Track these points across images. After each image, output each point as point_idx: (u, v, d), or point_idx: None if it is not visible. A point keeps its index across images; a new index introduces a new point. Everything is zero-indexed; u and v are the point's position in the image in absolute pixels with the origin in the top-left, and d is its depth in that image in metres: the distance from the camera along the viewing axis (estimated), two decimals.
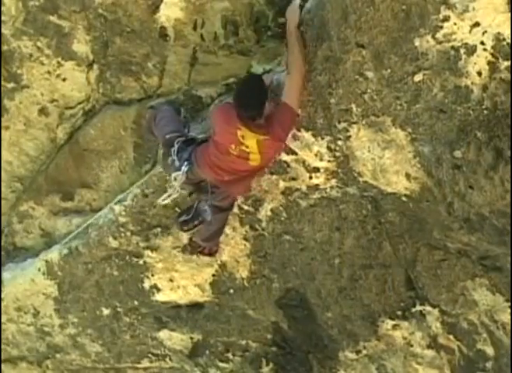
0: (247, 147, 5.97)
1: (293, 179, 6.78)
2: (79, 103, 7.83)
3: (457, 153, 5.71)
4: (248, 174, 6.31)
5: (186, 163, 6.31)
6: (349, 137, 6.20)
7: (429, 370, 7.34)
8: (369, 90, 5.87)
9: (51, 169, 8.19)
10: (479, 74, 5.33)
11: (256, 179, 6.63)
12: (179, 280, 7.85)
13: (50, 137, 8.08)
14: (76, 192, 8.16)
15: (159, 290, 7.99)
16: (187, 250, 7.47)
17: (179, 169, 6.36)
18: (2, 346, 9.11)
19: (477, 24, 5.17)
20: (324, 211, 6.91)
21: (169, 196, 6.74)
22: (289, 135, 6.18)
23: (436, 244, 6.62)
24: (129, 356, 8.71)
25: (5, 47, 7.59)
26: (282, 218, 7.10)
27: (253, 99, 5.83)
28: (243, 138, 5.93)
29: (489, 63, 5.26)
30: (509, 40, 5.10)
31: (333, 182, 6.66)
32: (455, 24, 5.23)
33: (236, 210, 7.18)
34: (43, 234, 8.55)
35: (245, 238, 7.36)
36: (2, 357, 9.16)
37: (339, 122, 6.17)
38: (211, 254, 7.41)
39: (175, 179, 6.46)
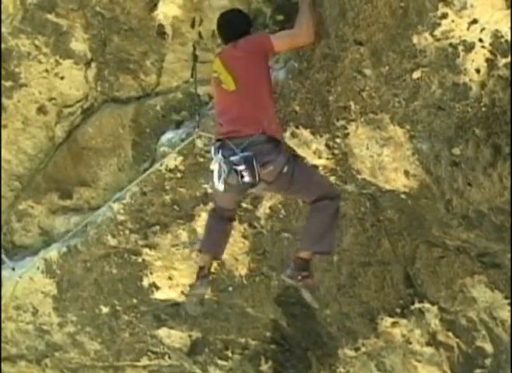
0: (216, 72, 5.81)
1: None
2: (77, 102, 7.83)
3: (456, 150, 5.71)
4: (237, 99, 5.66)
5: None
6: (348, 134, 6.20)
7: (428, 367, 7.35)
8: (367, 87, 5.88)
9: (50, 167, 8.18)
10: (477, 71, 5.34)
11: (267, 115, 5.69)
12: (178, 278, 7.85)
13: (48, 135, 8.07)
14: (75, 190, 8.15)
15: (157, 288, 7.99)
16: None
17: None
18: (1, 345, 9.11)
19: (475, 21, 5.18)
20: None
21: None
22: (257, 52, 5.66)
23: (435, 241, 6.63)
24: (128, 354, 8.72)
25: (2, 46, 7.57)
26: (281, 216, 7.11)
27: (237, 29, 5.85)
28: (214, 65, 5.88)
29: (487, 60, 5.27)
30: (507, 37, 5.11)
31: (332, 179, 6.66)
32: (453, 21, 5.24)
33: None
34: (42, 232, 8.55)
35: (244, 236, 7.36)
36: (1, 356, 9.16)
37: (338, 119, 6.17)
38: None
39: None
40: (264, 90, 5.71)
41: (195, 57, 6.52)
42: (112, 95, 7.62)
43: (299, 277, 5.88)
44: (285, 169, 5.61)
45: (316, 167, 6.57)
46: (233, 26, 5.91)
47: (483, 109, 5.45)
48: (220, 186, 5.57)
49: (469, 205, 5.94)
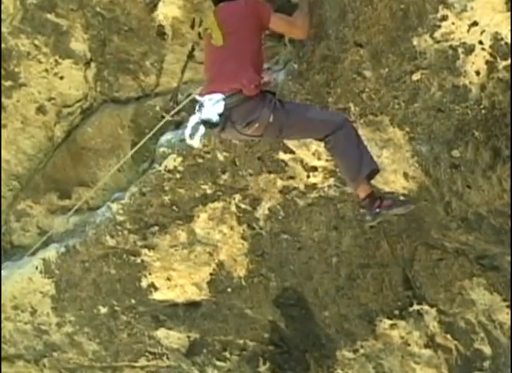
0: (208, 29, 5.68)
1: (291, 178, 6.79)
2: (77, 102, 7.83)
3: (455, 152, 5.71)
4: (224, 57, 5.55)
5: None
6: None
7: (426, 369, 7.35)
8: (367, 89, 5.88)
9: (49, 167, 8.18)
10: (477, 73, 5.34)
11: (249, 76, 5.46)
12: (176, 278, 7.84)
13: (47, 135, 8.07)
14: (74, 190, 8.15)
15: (156, 288, 7.98)
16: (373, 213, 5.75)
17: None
18: (0, 345, 9.11)
19: (475, 23, 5.18)
20: (321, 210, 6.91)
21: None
22: (252, 11, 5.54)
23: (434, 243, 6.62)
24: (126, 354, 8.71)
25: (2, 46, 7.57)
26: (280, 217, 7.10)
27: None
28: (207, 22, 5.74)
29: (487, 62, 5.27)
30: (507, 40, 5.11)
31: (331, 181, 6.67)
32: (453, 23, 5.24)
33: (233, 208, 7.19)
34: (41, 232, 8.54)
35: (243, 237, 7.36)
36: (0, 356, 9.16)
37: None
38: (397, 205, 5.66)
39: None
40: (250, 49, 5.52)
41: (190, 56, 6.51)
42: (111, 96, 7.62)
43: (377, 211, 5.55)
44: (271, 119, 5.44)
45: (315, 168, 6.57)
46: None
47: (483, 111, 5.45)
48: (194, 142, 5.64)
49: (468, 207, 5.94)
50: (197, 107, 5.62)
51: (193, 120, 5.61)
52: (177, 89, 6.66)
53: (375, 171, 5.64)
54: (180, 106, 6.59)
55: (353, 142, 5.54)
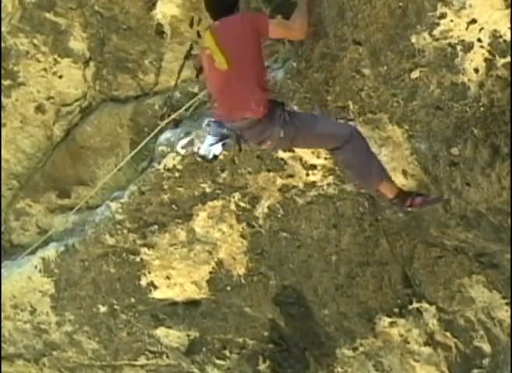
0: (207, 49, 5.58)
1: (290, 176, 6.79)
2: (76, 100, 7.83)
3: (454, 150, 5.71)
4: (231, 83, 5.54)
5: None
6: None
7: (426, 367, 7.35)
8: (365, 87, 5.88)
9: (48, 166, 8.18)
10: (476, 71, 5.33)
11: (257, 98, 5.53)
12: (176, 277, 7.85)
13: (46, 134, 8.08)
14: (73, 189, 8.16)
15: (155, 287, 7.99)
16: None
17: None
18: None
19: (474, 21, 5.18)
20: (320, 208, 6.91)
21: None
22: (250, 29, 5.46)
23: (433, 241, 6.62)
24: (126, 353, 8.71)
25: (1, 45, 7.58)
26: (279, 215, 7.11)
27: (223, 4, 5.59)
28: (204, 41, 5.67)
29: (485, 60, 5.26)
30: (505, 37, 5.11)
31: (330, 179, 6.67)
32: (452, 21, 5.24)
33: (232, 207, 7.19)
34: (40, 231, 8.54)
35: (242, 236, 7.36)
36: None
37: (336, 119, 6.16)
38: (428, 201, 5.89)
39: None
40: (255, 71, 5.54)
41: (187, 55, 6.52)
42: (110, 95, 7.62)
43: (409, 209, 5.95)
44: (281, 134, 5.56)
45: (314, 166, 6.57)
46: (221, 7, 5.61)
47: (482, 109, 5.44)
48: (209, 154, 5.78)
49: (467, 205, 5.94)
50: (206, 126, 5.83)
51: (207, 141, 5.78)
52: (171, 96, 6.76)
53: (387, 178, 5.81)
54: (176, 114, 6.66)
55: (361, 155, 5.68)
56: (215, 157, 5.80)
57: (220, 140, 5.70)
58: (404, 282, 7.04)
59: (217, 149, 5.73)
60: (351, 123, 6.04)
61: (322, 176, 6.67)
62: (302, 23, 5.54)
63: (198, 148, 5.99)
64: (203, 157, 5.83)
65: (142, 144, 7.08)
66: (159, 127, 6.92)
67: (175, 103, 7.20)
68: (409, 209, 5.90)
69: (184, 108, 6.89)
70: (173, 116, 6.89)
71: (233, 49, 5.46)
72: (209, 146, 5.74)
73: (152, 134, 6.98)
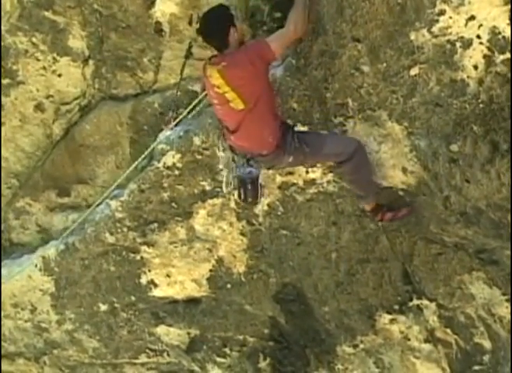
0: (218, 87, 5.58)
1: (290, 173, 6.79)
2: (75, 99, 7.83)
3: (454, 147, 5.71)
4: (249, 125, 5.67)
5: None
6: (346, 131, 6.20)
7: (426, 363, 7.35)
8: (365, 84, 5.88)
9: (47, 164, 8.19)
10: (475, 67, 5.33)
11: (273, 131, 5.74)
12: (176, 275, 7.85)
13: (46, 133, 8.08)
14: (72, 188, 8.17)
15: (156, 285, 7.99)
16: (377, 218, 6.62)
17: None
18: (0, 343, 9.12)
19: (472, 17, 5.17)
20: (320, 206, 6.91)
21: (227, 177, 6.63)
22: (259, 64, 5.45)
23: (433, 238, 6.62)
24: (126, 351, 8.72)
25: (0, 43, 7.58)
26: (279, 213, 7.11)
27: (214, 28, 5.52)
28: (211, 78, 5.61)
29: (484, 56, 5.26)
30: (504, 34, 5.10)
31: (330, 176, 6.67)
32: (451, 18, 5.23)
33: (232, 205, 7.19)
34: (40, 230, 8.55)
35: (242, 233, 7.36)
36: (0, 354, 9.17)
37: (335, 116, 6.17)
38: (397, 217, 6.55)
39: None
40: (269, 104, 5.70)
41: (187, 55, 6.50)
42: (110, 93, 7.63)
43: (379, 222, 6.67)
44: (290, 160, 5.91)
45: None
46: (213, 31, 5.57)
47: (481, 105, 5.44)
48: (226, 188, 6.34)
49: (467, 202, 5.94)
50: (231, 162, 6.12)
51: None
52: (175, 100, 6.82)
53: (378, 193, 6.41)
54: (180, 117, 6.69)
55: (361, 171, 6.11)
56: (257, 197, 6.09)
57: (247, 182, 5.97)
58: (404, 279, 7.04)
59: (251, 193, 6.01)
60: (356, 137, 6.12)
61: (322, 173, 6.67)
62: (296, 24, 5.45)
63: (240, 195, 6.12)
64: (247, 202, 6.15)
65: (142, 157, 7.13)
66: (163, 131, 7.00)
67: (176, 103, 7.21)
68: (379, 222, 6.66)
69: (187, 110, 6.89)
70: (177, 120, 6.93)
71: (247, 90, 5.52)
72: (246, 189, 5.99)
73: (155, 144, 7.06)
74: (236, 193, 6.19)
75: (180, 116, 6.91)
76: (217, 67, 5.52)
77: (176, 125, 7.11)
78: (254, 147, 5.79)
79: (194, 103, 6.89)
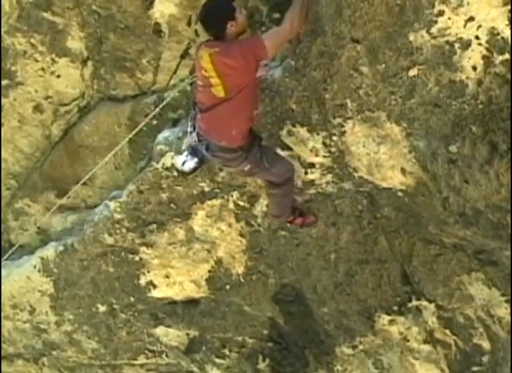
0: (205, 70, 5.59)
1: None
2: (74, 100, 7.83)
3: (453, 148, 5.70)
4: (221, 111, 5.69)
5: (192, 122, 6.13)
6: (344, 132, 6.20)
7: (425, 364, 7.35)
8: (364, 85, 5.87)
9: (46, 165, 8.18)
10: (474, 68, 5.32)
11: (239, 128, 5.81)
12: (175, 276, 7.85)
13: (44, 133, 8.08)
14: (71, 188, 8.15)
15: (155, 286, 7.99)
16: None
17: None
18: None
19: (471, 18, 5.17)
20: (319, 207, 6.91)
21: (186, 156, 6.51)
22: (250, 60, 5.48)
23: (432, 238, 6.62)
24: (125, 352, 8.72)
25: None
26: None
27: (212, 20, 5.56)
28: (202, 60, 5.62)
29: (483, 57, 5.25)
30: (503, 35, 5.10)
31: (328, 177, 6.67)
32: (450, 19, 5.22)
33: (231, 206, 7.19)
34: (39, 231, 8.54)
35: (241, 234, 7.36)
36: None
37: (334, 117, 6.16)
38: (304, 225, 7.08)
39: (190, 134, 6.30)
40: (248, 104, 5.76)
41: (183, 54, 6.53)
42: (108, 94, 7.62)
43: (288, 224, 7.06)
44: (246, 168, 6.03)
45: (313, 165, 6.58)
46: (211, 23, 5.60)
47: (480, 106, 5.43)
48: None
49: (466, 202, 5.93)
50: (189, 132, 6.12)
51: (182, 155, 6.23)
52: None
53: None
54: (157, 109, 6.71)
55: (289, 195, 6.57)
56: (192, 172, 6.24)
57: (194, 154, 6.09)
58: (403, 280, 7.05)
59: (191, 164, 6.13)
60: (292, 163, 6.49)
61: (321, 174, 6.67)
62: (292, 22, 5.50)
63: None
64: (180, 171, 6.37)
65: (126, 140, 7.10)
66: (142, 124, 6.95)
67: (173, 103, 7.21)
68: (288, 224, 7.06)
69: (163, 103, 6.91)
70: (154, 112, 6.95)
71: (232, 81, 5.55)
72: (184, 161, 6.13)
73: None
74: (181, 157, 6.25)
75: (157, 108, 6.89)
76: (209, 51, 5.56)
77: (174, 124, 7.15)
78: (215, 134, 5.82)
79: (182, 84, 6.90)
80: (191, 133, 6.07)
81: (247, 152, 5.86)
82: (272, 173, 6.23)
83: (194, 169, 6.22)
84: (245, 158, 5.89)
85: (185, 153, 6.16)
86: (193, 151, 6.09)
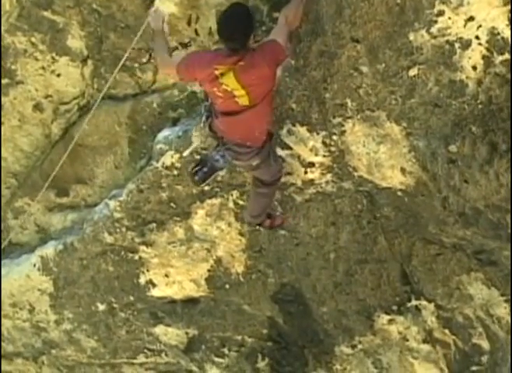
0: (227, 85, 5.45)
1: (288, 173, 6.79)
2: (74, 99, 7.82)
3: (452, 147, 5.71)
4: (245, 117, 5.64)
5: (206, 114, 6.02)
6: (344, 131, 6.20)
7: (424, 364, 7.36)
8: (364, 85, 5.87)
9: (46, 164, 8.17)
10: (474, 68, 5.33)
11: (263, 129, 5.86)
12: (174, 275, 7.85)
13: (44, 132, 8.07)
14: (71, 188, 8.16)
15: (154, 285, 7.99)
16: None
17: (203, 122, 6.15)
18: None
19: (471, 18, 5.17)
20: (319, 206, 6.91)
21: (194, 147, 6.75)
22: (273, 67, 5.41)
23: (432, 238, 6.63)
24: (125, 351, 8.72)
25: None
26: (278, 213, 7.10)
27: (238, 32, 5.29)
28: (222, 77, 5.44)
29: (483, 57, 5.26)
30: (503, 34, 5.10)
31: (328, 177, 6.67)
32: (450, 18, 5.23)
33: (231, 205, 7.19)
34: (39, 230, 8.54)
35: (240, 234, 7.36)
36: None
37: (334, 117, 6.17)
38: (273, 227, 7.19)
39: (201, 129, 6.40)
40: (270, 108, 5.79)
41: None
42: (108, 93, 7.60)
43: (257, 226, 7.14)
44: (254, 163, 6.05)
45: (312, 164, 6.58)
46: (236, 35, 5.32)
47: (480, 106, 5.44)
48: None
49: (466, 202, 5.94)
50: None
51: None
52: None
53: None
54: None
55: (270, 197, 6.64)
56: (203, 181, 6.19)
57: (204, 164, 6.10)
58: (402, 279, 7.05)
59: (201, 175, 6.12)
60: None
61: (320, 173, 6.67)
62: (286, 16, 5.45)
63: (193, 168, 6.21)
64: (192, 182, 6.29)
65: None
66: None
67: (173, 102, 7.21)
68: (258, 227, 7.15)
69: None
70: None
71: (258, 90, 5.48)
72: (195, 172, 6.14)
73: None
74: (192, 166, 6.26)
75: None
76: (232, 67, 5.38)
77: (175, 123, 7.16)
78: (238, 136, 5.83)
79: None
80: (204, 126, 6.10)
81: (260, 148, 5.88)
82: (270, 171, 6.25)
83: (205, 179, 6.18)
84: (257, 153, 5.90)
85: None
86: (203, 162, 6.10)
